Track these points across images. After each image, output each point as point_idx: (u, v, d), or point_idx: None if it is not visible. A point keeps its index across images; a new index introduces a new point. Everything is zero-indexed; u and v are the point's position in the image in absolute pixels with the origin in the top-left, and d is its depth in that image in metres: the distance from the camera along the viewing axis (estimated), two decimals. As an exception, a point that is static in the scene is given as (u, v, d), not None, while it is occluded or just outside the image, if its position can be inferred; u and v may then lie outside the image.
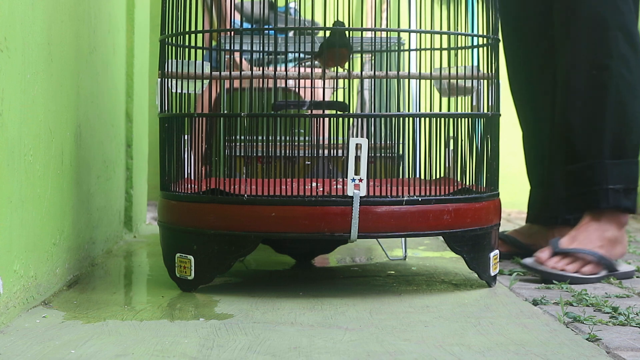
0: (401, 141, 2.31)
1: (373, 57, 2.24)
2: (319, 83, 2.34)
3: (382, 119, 2.03)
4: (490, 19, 1.91)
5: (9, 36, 1.47)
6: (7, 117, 1.47)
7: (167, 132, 1.88)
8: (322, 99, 1.81)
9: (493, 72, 1.92)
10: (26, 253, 1.59)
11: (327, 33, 1.90)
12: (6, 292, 1.48)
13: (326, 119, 2.08)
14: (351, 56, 1.98)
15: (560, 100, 2.20)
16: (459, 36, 1.92)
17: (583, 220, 2.12)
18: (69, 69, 1.88)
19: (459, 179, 1.88)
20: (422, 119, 1.87)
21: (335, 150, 2.15)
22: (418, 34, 2.04)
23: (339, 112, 2.04)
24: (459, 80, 1.92)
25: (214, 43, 3.06)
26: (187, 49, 1.89)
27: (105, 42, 2.30)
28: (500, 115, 1.94)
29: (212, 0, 3.21)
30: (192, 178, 1.88)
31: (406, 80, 2.42)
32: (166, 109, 1.89)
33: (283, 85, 2.62)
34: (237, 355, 1.32)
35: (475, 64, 1.94)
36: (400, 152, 2.33)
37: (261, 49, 1.91)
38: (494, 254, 1.90)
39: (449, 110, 2.03)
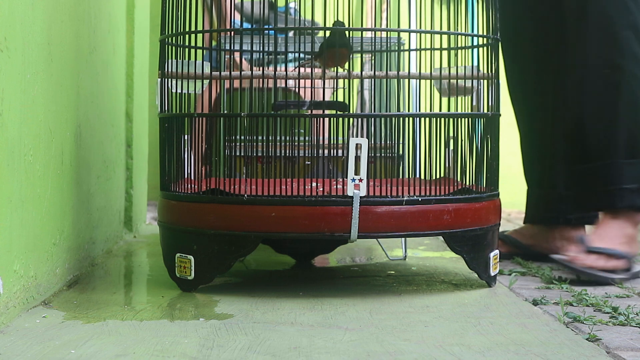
0: (401, 141, 2.31)
1: (373, 57, 2.24)
2: (319, 83, 2.34)
3: (382, 119, 2.03)
4: (490, 19, 1.91)
5: (9, 36, 1.47)
6: (7, 117, 1.47)
7: (167, 132, 1.88)
8: (322, 99, 1.81)
9: (493, 72, 1.92)
10: (26, 253, 1.59)
11: (327, 33, 1.90)
12: (6, 292, 1.48)
13: (326, 119, 2.08)
14: (351, 56, 1.98)
15: (571, 101, 2.20)
16: (459, 36, 1.92)
17: (602, 219, 2.13)
18: (69, 69, 1.88)
19: (459, 179, 1.88)
20: (422, 119, 1.87)
21: (335, 150, 2.15)
22: (418, 34, 2.04)
23: (339, 112, 2.04)
24: (459, 80, 1.92)
25: (214, 43, 3.06)
26: (187, 49, 1.89)
27: (105, 42, 2.30)
28: (500, 115, 1.94)
29: (212, 0, 3.21)
30: (192, 178, 1.88)
31: (406, 80, 2.42)
32: (166, 109, 1.89)
33: (283, 85, 2.62)
34: (237, 355, 1.32)
35: (475, 64, 1.94)
36: (400, 152, 2.33)
37: (261, 49, 1.91)
38: (494, 254, 1.90)
39: (449, 110, 2.03)
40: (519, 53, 2.40)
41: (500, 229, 2.29)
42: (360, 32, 2.27)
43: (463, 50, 1.96)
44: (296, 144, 2.01)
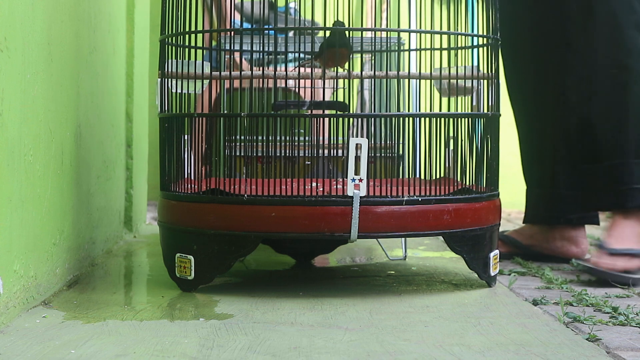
0: (401, 141, 2.31)
1: (373, 57, 2.24)
2: (319, 83, 2.34)
3: (382, 119, 2.03)
4: (490, 19, 1.91)
5: (9, 36, 1.47)
6: (7, 117, 1.47)
7: (167, 132, 1.88)
8: (322, 99, 1.81)
9: (493, 72, 1.92)
10: (26, 253, 1.59)
11: (327, 33, 1.90)
12: (6, 292, 1.48)
13: (326, 119, 2.08)
14: (351, 56, 1.98)
15: (576, 101, 2.21)
16: (459, 36, 1.92)
17: (614, 220, 2.13)
18: (69, 69, 1.88)
19: (459, 179, 1.88)
20: (422, 119, 1.87)
21: (335, 150, 2.15)
22: (418, 34, 2.03)
23: (339, 112, 2.04)
24: (459, 80, 1.92)
25: (214, 43, 3.06)
26: (187, 49, 1.89)
27: (105, 42, 2.30)
28: (500, 115, 1.94)
29: (212, 0, 3.21)
30: (192, 178, 1.88)
31: (406, 80, 2.42)
32: (166, 109, 1.89)
33: (283, 85, 2.62)
34: (237, 355, 1.32)
35: (475, 64, 1.94)
36: (400, 152, 2.33)
37: (261, 49, 1.91)
38: (494, 254, 1.90)
39: (449, 110, 2.03)
40: (518, 53, 2.40)
41: (500, 229, 2.29)
42: (360, 32, 2.27)
43: (463, 50, 1.96)
44: (296, 144, 2.01)
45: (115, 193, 2.48)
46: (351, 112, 2.28)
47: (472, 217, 1.82)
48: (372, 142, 2.12)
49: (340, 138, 2.25)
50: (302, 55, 2.39)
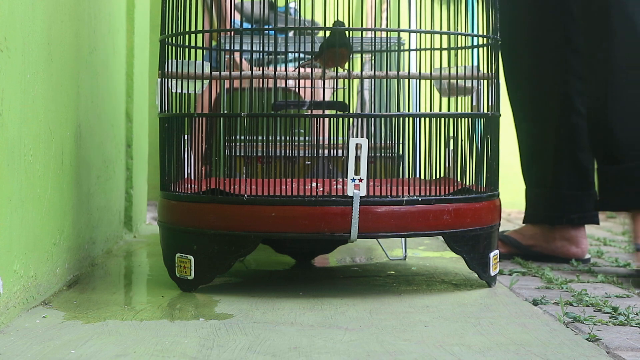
0: (401, 141, 2.31)
1: (373, 57, 2.24)
2: (319, 83, 2.34)
3: (382, 119, 2.03)
4: (490, 19, 1.91)
5: (9, 36, 1.47)
6: (7, 117, 1.47)
7: (167, 132, 1.88)
8: (322, 99, 1.81)
9: (493, 72, 1.92)
10: (26, 253, 1.59)
11: (327, 33, 1.90)
12: (6, 292, 1.48)
13: (326, 119, 2.08)
14: (351, 56, 1.98)
15: (595, 102, 2.21)
16: (459, 36, 1.92)
17: (637, 219, 2.15)
18: (69, 69, 1.88)
19: (459, 179, 1.88)
20: (422, 119, 1.87)
21: (335, 150, 2.15)
22: (418, 34, 2.03)
23: (339, 112, 2.04)
24: (459, 80, 1.92)
25: (214, 43, 3.06)
26: (187, 49, 1.89)
27: (105, 42, 2.30)
28: (500, 115, 1.94)
29: (212, 0, 3.21)
30: (192, 178, 1.88)
31: (406, 80, 2.42)
32: (166, 109, 1.89)
33: (283, 85, 2.62)
34: (237, 355, 1.32)
35: (475, 64, 1.94)
36: (400, 152, 2.33)
37: (261, 49, 1.91)
38: (494, 254, 1.90)
39: (449, 110, 2.03)
40: (517, 53, 2.40)
41: (500, 229, 2.29)
42: (360, 32, 2.27)
43: (463, 50, 1.96)
44: (296, 144, 2.01)
45: (115, 193, 2.48)
46: (351, 112, 2.28)
47: (472, 217, 1.82)
48: (372, 142, 2.12)
49: (340, 138, 2.25)
50: (302, 55, 2.39)
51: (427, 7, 1.84)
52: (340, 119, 1.98)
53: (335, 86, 2.53)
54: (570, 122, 2.33)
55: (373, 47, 2.18)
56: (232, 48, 1.91)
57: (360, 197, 1.72)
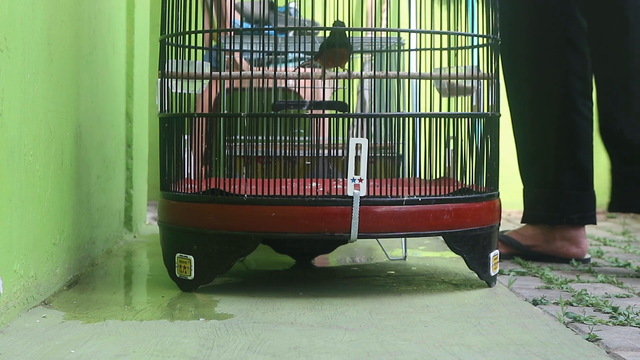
0: (401, 141, 2.31)
1: (373, 57, 2.24)
2: (319, 83, 2.34)
3: (382, 119, 2.03)
4: (490, 19, 1.91)
5: (9, 36, 1.47)
6: (7, 117, 1.47)
7: (167, 132, 1.88)
8: (322, 99, 1.81)
9: (493, 72, 1.92)
10: (26, 253, 1.59)
11: (327, 33, 1.90)
12: (6, 292, 1.48)
13: (326, 119, 2.08)
14: (351, 56, 1.98)
15: (607, 102, 2.22)
16: (459, 36, 1.92)
17: None
18: (69, 69, 1.88)
19: (459, 179, 1.88)
20: (422, 119, 1.87)
21: (335, 150, 2.15)
22: (418, 34, 2.03)
23: (339, 112, 2.04)
24: (459, 80, 1.92)
25: (214, 43, 3.06)
26: (187, 49, 1.89)
27: (105, 42, 2.30)
28: (500, 115, 1.94)
29: (212, 0, 3.21)
30: (192, 178, 1.88)
31: (406, 80, 2.42)
32: (166, 109, 1.89)
33: (283, 85, 2.62)
34: (237, 355, 1.32)
35: (475, 64, 1.94)
36: (400, 152, 2.33)
37: (261, 49, 1.91)
38: (494, 254, 1.90)
39: (449, 110, 2.03)
40: (516, 53, 2.40)
41: (500, 229, 2.29)
42: (360, 32, 2.27)
43: (463, 50, 1.96)
44: (296, 144, 2.01)
45: (115, 193, 2.48)
46: (351, 112, 2.28)
47: (472, 217, 1.82)
48: (372, 142, 2.12)
49: (340, 138, 2.25)
50: (302, 55, 2.39)
51: (427, 7, 1.84)
52: (340, 119, 1.98)
53: (335, 86, 2.53)
54: (570, 122, 2.33)
55: (373, 47, 2.18)
56: (232, 48, 1.91)
57: (360, 197, 1.72)
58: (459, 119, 1.85)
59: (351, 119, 2.07)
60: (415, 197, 1.76)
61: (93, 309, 1.64)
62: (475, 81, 1.91)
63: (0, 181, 1.44)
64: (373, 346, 1.38)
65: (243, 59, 3.08)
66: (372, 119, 1.98)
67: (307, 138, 2.09)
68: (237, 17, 3.15)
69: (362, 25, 3.50)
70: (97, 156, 2.19)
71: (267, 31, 2.05)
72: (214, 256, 1.76)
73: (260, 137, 1.81)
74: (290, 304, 1.70)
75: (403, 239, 2.31)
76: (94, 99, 2.15)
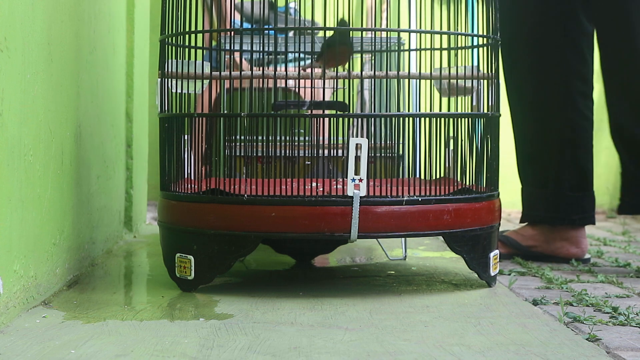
0: (401, 141, 2.31)
1: (373, 57, 2.24)
2: (319, 83, 2.34)
3: (382, 119, 2.03)
4: (490, 19, 1.91)
5: (9, 36, 1.47)
6: (7, 117, 1.47)
7: (167, 132, 1.88)
8: (322, 99, 1.81)
9: (493, 72, 1.92)
10: (26, 253, 1.59)
11: (327, 33, 1.90)
12: (6, 292, 1.48)
13: (326, 119, 2.08)
14: (351, 56, 1.98)
15: (617, 103, 2.23)
16: (459, 36, 1.92)
17: None
18: (69, 69, 1.88)
19: (459, 179, 1.88)
20: (422, 119, 1.87)
21: (335, 150, 2.15)
22: (418, 34, 2.03)
23: (339, 112, 2.04)
24: (459, 80, 1.92)
25: (214, 43, 3.06)
26: (187, 49, 1.89)
27: (105, 42, 2.30)
28: (500, 115, 1.94)
29: (212, 0, 3.21)
30: (192, 178, 1.88)
31: (406, 80, 2.42)
32: (166, 109, 1.89)
33: (283, 85, 2.62)
34: (237, 355, 1.32)
35: (475, 64, 1.94)
36: (400, 152, 2.33)
37: (261, 49, 1.91)
38: (494, 254, 1.90)
39: (449, 110, 2.03)
40: (517, 53, 2.40)
41: (500, 229, 2.29)
42: (360, 32, 2.27)
43: (463, 50, 1.96)
44: (296, 144, 2.01)
45: (115, 193, 2.48)
46: (351, 112, 2.28)
47: (472, 217, 1.82)
48: (372, 142, 2.12)
49: (340, 138, 2.25)
50: (302, 56, 2.39)
51: (427, 7, 1.84)
52: (340, 119, 1.98)
53: (335, 86, 2.53)
54: (571, 122, 2.33)
55: (373, 47, 2.18)
56: (232, 48, 1.91)
57: (360, 197, 1.72)
58: (459, 119, 1.85)
59: (351, 119, 2.07)
60: (415, 197, 1.76)
61: (93, 309, 1.64)
62: (475, 81, 1.91)
63: (0, 181, 1.44)
64: (373, 346, 1.38)
65: (243, 59, 3.08)
66: (372, 119, 1.98)
67: (307, 138, 2.09)
68: (237, 17, 3.15)
69: (362, 25, 3.50)
70: (97, 156, 2.19)
71: (267, 31, 2.05)
72: (214, 256, 1.76)
73: (260, 137, 1.81)
74: (290, 304, 1.70)
75: (403, 239, 2.31)
76: (94, 99, 2.15)
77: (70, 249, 1.91)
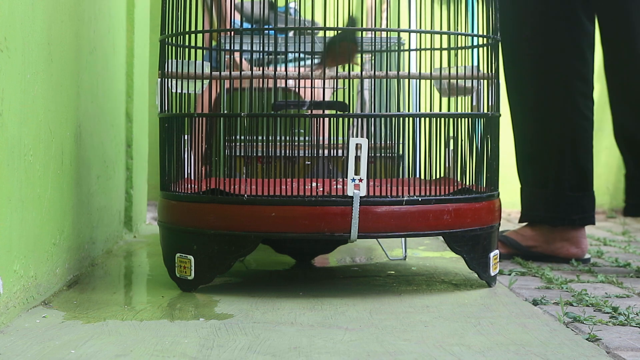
0: (401, 141, 2.31)
1: (373, 57, 2.24)
2: (319, 83, 2.34)
3: (382, 119, 2.03)
4: (490, 19, 1.91)
5: (9, 36, 1.47)
6: (7, 117, 1.47)
7: (167, 132, 1.88)
8: (322, 99, 1.81)
9: (493, 72, 1.92)
10: (26, 253, 1.59)
11: (327, 33, 1.90)
12: (6, 292, 1.48)
13: (326, 119, 2.08)
14: (359, 54, 1.97)
15: (625, 109, 2.24)
16: (459, 36, 1.92)
17: None
18: (69, 69, 1.88)
19: (459, 179, 1.88)
20: (422, 119, 1.87)
21: (335, 150, 2.15)
22: (418, 34, 2.03)
23: (339, 112, 2.04)
24: (459, 80, 1.92)
25: (214, 43, 3.06)
26: (187, 49, 1.89)
27: (105, 42, 2.30)
28: (500, 115, 1.94)
29: (212, 0, 3.21)
30: (192, 178, 1.88)
31: (406, 80, 2.42)
32: (166, 109, 1.89)
33: (283, 85, 2.62)
34: (237, 355, 1.32)
35: (475, 64, 1.94)
36: (400, 152, 2.33)
37: (261, 49, 1.91)
38: (494, 254, 1.90)
39: (449, 110, 2.03)
40: (518, 54, 2.40)
41: (500, 229, 2.29)
42: (360, 32, 2.27)
43: (463, 50, 1.96)
44: (296, 144, 2.01)
45: (115, 193, 2.48)
46: (351, 112, 2.28)
47: (472, 217, 1.82)
48: (372, 142, 2.12)
49: (340, 138, 2.25)
50: (302, 55, 2.39)
51: (427, 7, 1.84)
52: (340, 119, 1.97)
53: (335, 86, 2.53)
54: (572, 123, 2.33)
55: (373, 47, 2.18)
56: (232, 48, 1.91)
57: (360, 197, 1.72)
58: (459, 119, 1.85)
59: (351, 119, 2.07)
60: (415, 197, 1.76)
61: (93, 309, 1.64)
62: (475, 81, 1.91)
63: (0, 181, 1.44)
64: (373, 346, 1.38)
65: (243, 59, 3.08)
66: (372, 119, 1.98)
67: (307, 138, 2.09)
68: (237, 17, 3.15)
69: (362, 25, 3.50)
70: (97, 156, 2.19)
71: (267, 31, 2.05)
72: (214, 256, 1.76)
73: (260, 137, 1.81)
74: (290, 304, 1.70)
75: (403, 239, 2.31)
76: (94, 99, 2.15)
77: (70, 249, 1.91)
